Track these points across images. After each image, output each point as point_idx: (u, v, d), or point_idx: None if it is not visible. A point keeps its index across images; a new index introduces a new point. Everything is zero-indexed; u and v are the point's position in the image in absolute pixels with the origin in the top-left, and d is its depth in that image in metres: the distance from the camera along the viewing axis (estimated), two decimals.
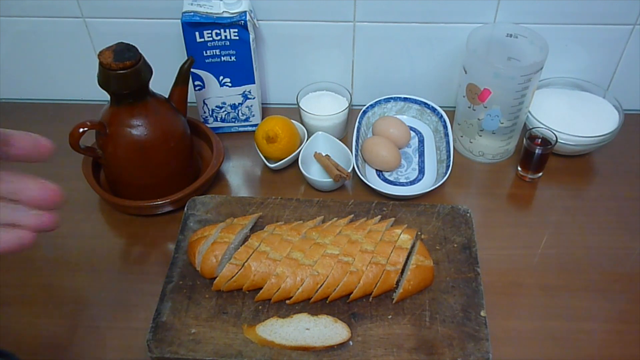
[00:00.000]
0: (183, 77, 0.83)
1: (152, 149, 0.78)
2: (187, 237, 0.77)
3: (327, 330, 0.66)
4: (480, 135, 0.89)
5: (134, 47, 0.74)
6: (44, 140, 0.41)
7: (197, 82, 0.91)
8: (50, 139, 0.43)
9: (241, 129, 0.99)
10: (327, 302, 0.70)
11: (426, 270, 0.70)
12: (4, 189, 0.39)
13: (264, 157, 0.90)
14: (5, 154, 0.39)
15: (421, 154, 0.93)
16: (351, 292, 0.69)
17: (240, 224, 0.76)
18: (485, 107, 0.84)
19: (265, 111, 1.01)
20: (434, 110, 0.94)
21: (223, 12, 0.84)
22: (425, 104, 0.95)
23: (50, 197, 0.41)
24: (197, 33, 0.84)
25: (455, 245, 0.76)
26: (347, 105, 0.93)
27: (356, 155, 0.88)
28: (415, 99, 0.96)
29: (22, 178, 0.40)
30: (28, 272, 0.78)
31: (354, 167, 0.86)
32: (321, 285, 0.69)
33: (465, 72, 0.84)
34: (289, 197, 0.83)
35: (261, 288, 0.70)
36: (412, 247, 0.73)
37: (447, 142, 0.89)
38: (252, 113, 0.97)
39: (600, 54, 0.95)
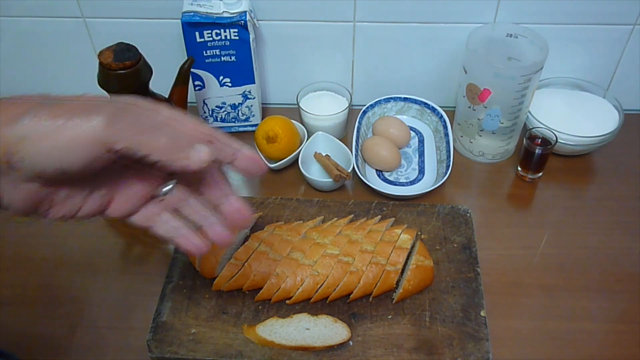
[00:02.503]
0: (183, 77, 0.83)
1: None
2: None
3: (327, 330, 0.66)
4: (480, 135, 0.89)
5: (134, 47, 0.74)
6: (261, 163, 0.44)
7: (197, 82, 0.91)
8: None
9: (241, 129, 0.99)
10: (327, 302, 0.70)
11: (426, 270, 0.70)
12: (213, 196, 0.44)
13: (264, 157, 0.90)
14: (230, 164, 0.43)
15: (421, 154, 0.93)
16: (351, 292, 0.69)
17: None
18: (485, 107, 0.84)
19: (265, 111, 1.01)
20: (434, 110, 0.94)
21: (223, 12, 0.84)
22: (425, 104, 0.95)
23: (241, 221, 0.46)
24: (197, 33, 0.84)
25: (455, 245, 0.76)
26: (347, 105, 0.93)
27: (356, 155, 0.88)
28: (415, 99, 0.96)
29: (231, 194, 0.45)
30: (28, 272, 0.78)
31: (354, 167, 0.86)
32: (321, 285, 0.69)
33: (465, 72, 0.84)
34: (289, 197, 0.83)
35: (261, 288, 0.70)
36: (412, 247, 0.73)
37: (447, 142, 0.89)
38: (252, 113, 0.97)
39: (600, 54, 0.95)
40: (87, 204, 0.42)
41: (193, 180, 0.44)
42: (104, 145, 0.36)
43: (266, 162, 0.89)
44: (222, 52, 0.87)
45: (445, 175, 0.84)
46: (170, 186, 0.44)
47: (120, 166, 0.41)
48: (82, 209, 0.42)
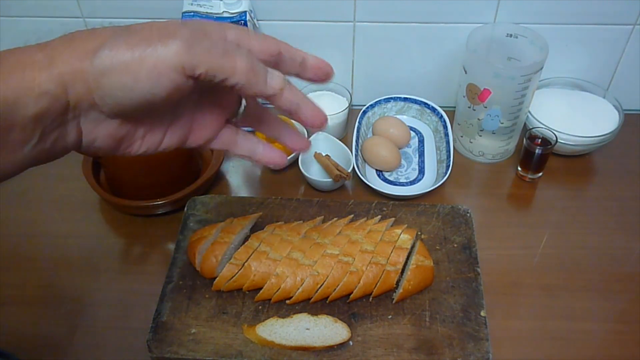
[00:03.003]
0: None
1: None
2: (187, 237, 0.77)
3: (327, 330, 0.66)
4: (480, 135, 0.89)
5: None
6: (328, 66, 0.46)
7: None
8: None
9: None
10: (327, 302, 0.70)
11: (426, 270, 0.70)
12: (287, 103, 0.42)
13: None
14: (301, 74, 0.45)
15: (421, 154, 0.93)
16: (351, 292, 0.69)
17: (240, 224, 0.76)
18: (485, 107, 0.84)
19: None
20: (434, 110, 0.94)
21: (223, 12, 0.84)
22: (425, 104, 0.95)
23: (318, 121, 0.46)
24: None
25: (455, 245, 0.76)
26: (347, 105, 0.93)
27: (356, 155, 0.88)
28: (415, 99, 0.96)
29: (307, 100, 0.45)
30: (28, 272, 0.78)
31: (354, 167, 0.86)
32: (321, 285, 0.69)
33: (465, 72, 0.84)
34: (289, 197, 0.83)
35: (261, 288, 0.70)
36: (412, 247, 0.73)
37: (447, 142, 0.89)
38: None
39: (600, 54, 0.95)
40: (168, 137, 0.42)
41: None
42: (185, 71, 0.35)
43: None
44: None
45: (445, 175, 0.84)
46: (244, 105, 0.45)
47: (196, 95, 0.40)
48: (163, 142, 0.42)
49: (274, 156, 0.47)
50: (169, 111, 0.41)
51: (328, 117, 0.46)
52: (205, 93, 0.42)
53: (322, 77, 0.46)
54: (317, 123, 0.45)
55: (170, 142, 0.43)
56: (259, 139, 0.47)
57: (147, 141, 0.41)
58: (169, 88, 0.35)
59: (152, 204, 0.81)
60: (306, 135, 0.91)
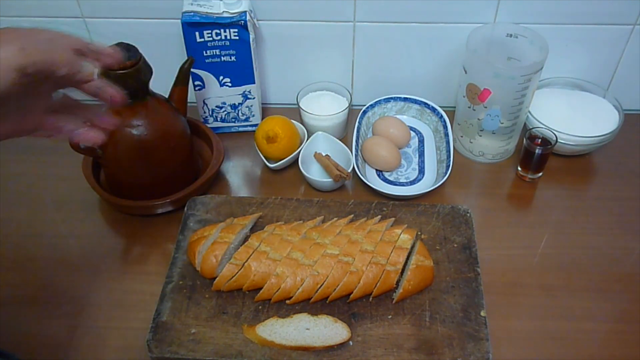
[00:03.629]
0: (183, 77, 0.83)
1: (152, 149, 0.78)
2: (187, 237, 0.77)
3: (327, 330, 0.66)
4: (480, 135, 0.89)
5: (134, 47, 0.74)
6: (117, 50, 0.55)
7: (197, 82, 0.91)
8: (51, 138, 0.54)
9: (241, 129, 0.99)
10: (327, 302, 0.70)
11: (426, 270, 0.70)
12: (94, 87, 0.52)
13: (264, 157, 0.90)
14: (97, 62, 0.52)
15: (421, 154, 0.93)
16: (351, 292, 0.69)
17: (240, 224, 0.76)
18: (485, 107, 0.84)
19: (265, 111, 1.01)
20: (434, 110, 0.94)
21: (223, 12, 0.84)
22: (425, 104, 0.95)
23: (118, 98, 0.55)
24: (197, 33, 0.84)
25: (455, 245, 0.76)
26: (347, 105, 0.93)
27: (356, 155, 0.88)
28: (415, 99, 0.96)
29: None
30: (28, 272, 0.78)
31: (354, 167, 0.86)
32: (321, 285, 0.69)
33: (465, 72, 0.84)
34: (289, 197, 0.83)
35: (261, 288, 0.70)
36: (412, 247, 0.73)
37: (447, 142, 0.89)
38: (252, 113, 0.97)
39: (600, 54, 0.95)
40: (3, 127, 0.49)
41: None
42: (20, 71, 0.43)
43: (266, 162, 0.89)
44: (222, 52, 0.87)
45: (445, 175, 0.84)
46: (62, 91, 0.53)
47: (24, 88, 0.47)
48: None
49: (92, 134, 0.55)
50: (2, 105, 0.47)
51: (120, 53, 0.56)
52: (31, 87, 0.48)
53: (116, 60, 0.54)
54: (117, 99, 0.54)
55: (5, 131, 0.50)
56: (79, 122, 0.54)
57: None
58: (5, 85, 0.43)
59: (152, 204, 0.81)
60: (306, 136, 0.91)
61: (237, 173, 0.92)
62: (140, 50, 0.75)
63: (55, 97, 0.53)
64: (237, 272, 0.70)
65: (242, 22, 0.83)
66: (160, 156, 0.80)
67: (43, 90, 0.51)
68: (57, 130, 0.53)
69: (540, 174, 0.89)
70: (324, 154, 0.90)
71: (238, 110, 0.96)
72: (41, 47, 0.45)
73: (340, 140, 0.91)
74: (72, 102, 0.55)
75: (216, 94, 0.93)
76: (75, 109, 0.55)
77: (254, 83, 0.92)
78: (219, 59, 0.88)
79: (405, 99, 0.96)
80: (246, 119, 0.97)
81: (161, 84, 0.81)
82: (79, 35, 0.51)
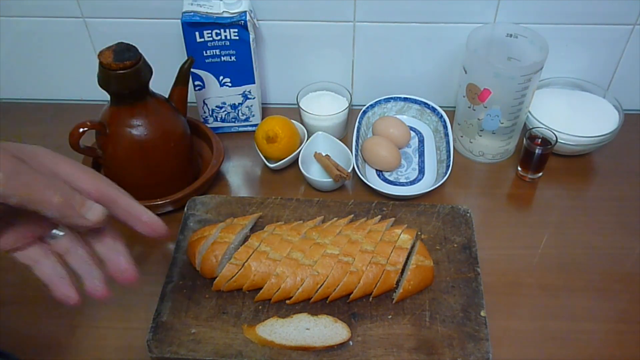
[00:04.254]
0: (183, 77, 0.83)
1: (152, 149, 0.78)
2: (187, 237, 0.77)
3: (327, 330, 0.66)
4: (480, 135, 0.89)
5: (134, 47, 0.74)
6: (160, 229, 0.49)
7: (197, 82, 0.91)
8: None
9: (241, 129, 0.99)
10: (327, 302, 0.70)
11: (426, 270, 0.70)
12: (103, 250, 0.47)
13: (264, 157, 0.90)
14: (131, 224, 0.47)
15: (421, 154, 0.93)
16: (351, 292, 0.69)
17: (240, 224, 0.76)
18: (485, 107, 0.84)
19: (265, 111, 1.01)
20: (434, 110, 0.94)
21: (223, 12, 0.84)
22: (425, 104, 0.95)
23: (126, 281, 0.49)
24: (197, 33, 0.84)
25: (455, 245, 0.76)
26: (347, 105, 0.93)
27: (356, 155, 0.88)
28: (415, 99, 0.96)
29: (122, 252, 0.49)
30: (28, 272, 0.77)
31: (354, 167, 0.86)
32: (321, 285, 0.69)
33: (465, 72, 0.84)
34: (289, 197, 0.83)
35: (261, 288, 0.70)
36: (412, 247, 0.73)
37: (447, 142, 0.89)
38: (252, 113, 0.97)
39: (600, 54, 0.95)
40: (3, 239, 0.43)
41: (85, 231, 0.46)
42: None
43: (266, 162, 0.89)
44: (222, 52, 0.87)
45: (445, 175, 0.84)
46: (61, 234, 0.46)
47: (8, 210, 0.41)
48: None
49: (65, 290, 0.48)
50: None
51: (164, 226, 0.49)
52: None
53: (152, 234, 0.48)
54: (153, 233, 0.47)
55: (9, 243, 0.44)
56: (62, 267, 0.47)
57: None
58: None
59: (152, 204, 0.81)
60: (306, 136, 0.91)
61: (237, 173, 0.92)
62: (140, 50, 0.75)
63: (54, 234, 0.46)
64: (237, 272, 0.70)
65: (242, 22, 0.83)
66: (160, 156, 0.80)
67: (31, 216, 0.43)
68: (33, 263, 0.47)
69: (540, 174, 0.89)
70: (324, 154, 0.90)
71: (238, 110, 0.96)
72: (32, 183, 0.39)
73: (340, 140, 0.91)
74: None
75: (216, 94, 0.93)
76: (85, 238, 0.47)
77: (254, 83, 0.92)
78: (219, 59, 0.88)
79: (405, 99, 0.96)
80: (246, 119, 0.97)
81: (161, 84, 0.81)
82: (108, 181, 0.44)
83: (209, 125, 0.94)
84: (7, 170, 0.38)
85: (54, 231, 0.45)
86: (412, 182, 0.89)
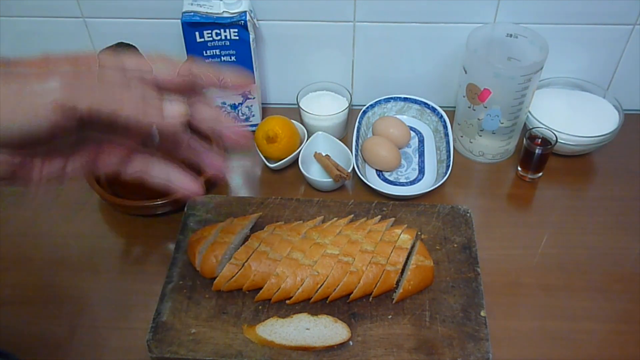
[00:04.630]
0: None
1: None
2: (187, 237, 0.77)
3: (327, 330, 0.66)
4: (480, 135, 0.89)
5: (134, 47, 0.74)
6: (246, 82, 0.46)
7: None
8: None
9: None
10: (327, 302, 0.70)
11: (426, 270, 0.70)
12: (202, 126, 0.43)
13: (264, 157, 0.90)
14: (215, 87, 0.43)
15: (421, 154, 0.93)
16: (351, 292, 0.69)
17: (240, 224, 0.76)
18: (485, 107, 0.84)
19: (265, 111, 1.01)
20: (434, 110, 0.94)
21: (223, 12, 0.84)
22: (425, 104, 0.95)
23: (240, 140, 0.45)
24: (197, 33, 0.84)
25: (455, 245, 0.76)
26: (347, 105, 0.93)
27: (356, 155, 0.88)
28: (415, 99, 0.96)
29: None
30: (28, 272, 0.78)
31: (354, 167, 0.86)
32: (321, 285, 0.69)
33: (465, 72, 0.84)
34: (289, 197, 0.83)
35: (261, 288, 0.70)
36: (412, 247, 0.73)
37: (447, 142, 0.89)
38: (252, 113, 0.97)
39: (600, 54, 0.95)
40: (71, 165, 0.41)
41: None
42: (63, 108, 0.35)
43: (266, 162, 0.89)
44: (222, 52, 0.87)
45: (445, 175, 0.84)
46: (157, 135, 0.43)
47: (98, 125, 0.38)
48: (67, 170, 0.41)
49: (187, 183, 0.45)
50: (65, 142, 0.39)
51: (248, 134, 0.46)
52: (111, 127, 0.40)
53: (241, 90, 0.43)
54: (240, 142, 0.45)
55: (75, 171, 0.42)
56: (174, 166, 0.45)
57: (48, 169, 0.40)
58: (47, 126, 0.35)
59: (152, 204, 0.81)
60: (306, 136, 0.91)
61: (237, 173, 0.92)
62: (140, 50, 0.75)
63: (153, 140, 0.43)
64: (237, 272, 0.70)
65: (242, 22, 0.83)
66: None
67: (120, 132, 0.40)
68: (145, 172, 0.44)
69: (540, 174, 0.89)
70: (324, 154, 0.90)
71: (238, 110, 0.96)
72: (97, 85, 0.36)
73: (340, 140, 0.91)
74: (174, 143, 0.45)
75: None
76: (176, 150, 0.45)
77: (254, 83, 0.92)
78: (219, 59, 0.88)
79: (405, 99, 0.96)
80: (246, 119, 0.97)
81: None
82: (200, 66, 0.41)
83: None
84: (65, 75, 0.35)
85: (153, 139, 0.43)
86: (412, 182, 0.89)
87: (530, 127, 0.89)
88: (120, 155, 0.43)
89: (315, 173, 0.89)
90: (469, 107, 0.86)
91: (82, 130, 0.38)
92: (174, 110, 0.38)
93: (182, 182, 0.45)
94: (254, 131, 0.91)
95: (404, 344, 0.66)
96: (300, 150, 0.89)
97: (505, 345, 0.69)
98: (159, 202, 0.81)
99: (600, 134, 0.87)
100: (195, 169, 0.45)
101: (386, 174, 0.90)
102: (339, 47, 0.96)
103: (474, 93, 0.84)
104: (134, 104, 0.36)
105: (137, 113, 0.36)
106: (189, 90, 0.42)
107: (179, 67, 0.40)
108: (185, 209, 0.81)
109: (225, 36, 0.85)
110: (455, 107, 0.95)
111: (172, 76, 0.39)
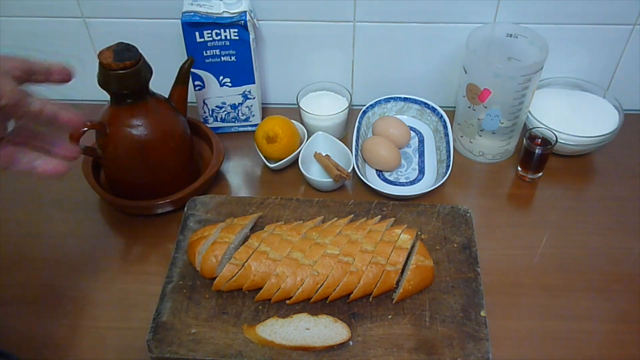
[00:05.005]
0: (183, 77, 0.83)
1: (152, 149, 0.78)
2: (187, 237, 0.77)
3: (327, 330, 0.66)
4: (480, 135, 0.89)
5: (134, 47, 0.74)
6: (68, 67, 0.54)
7: (197, 82, 0.91)
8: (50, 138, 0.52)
9: (241, 129, 0.99)
10: (327, 302, 0.70)
11: (426, 270, 0.70)
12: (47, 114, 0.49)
13: (264, 157, 0.90)
14: (47, 81, 0.52)
15: (421, 154, 0.93)
16: (351, 292, 0.69)
17: (240, 224, 0.76)
18: (485, 107, 0.84)
19: (265, 111, 1.01)
20: (434, 110, 0.94)
21: (223, 12, 0.84)
22: (425, 104, 0.95)
23: (76, 121, 0.52)
24: (197, 33, 0.84)
25: (455, 245, 0.76)
26: (347, 105, 0.93)
27: (356, 155, 0.88)
28: (415, 99, 0.96)
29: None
30: (28, 272, 0.78)
31: (354, 167, 0.86)
32: (321, 285, 0.69)
33: (465, 72, 0.84)
34: (289, 197, 0.83)
35: (261, 288, 0.70)
36: (412, 247, 0.73)
37: (447, 142, 0.89)
38: (252, 113, 0.97)
39: (600, 54, 0.95)
40: None
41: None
42: None
43: (266, 162, 0.89)
44: (222, 52, 0.87)
45: (445, 175, 0.84)
46: (13, 125, 0.51)
47: None
48: None
49: (52, 165, 0.51)
50: None
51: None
52: None
53: (66, 77, 0.54)
54: (76, 122, 0.51)
55: None
56: (37, 154, 0.52)
57: None
58: None
59: (152, 204, 0.81)
60: (306, 136, 0.91)
61: (237, 173, 0.92)
62: (140, 50, 0.75)
63: (8, 128, 0.50)
64: (237, 272, 0.70)
65: (242, 22, 0.83)
66: (160, 156, 0.80)
67: None
68: (13, 163, 0.50)
69: (540, 174, 0.89)
70: (324, 154, 0.90)
71: (238, 110, 0.96)
72: None
73: (340, 140, 0.91)
74: (28, 132, 0.52)
75: (216, 94, 0.93)
76: (31, 140, 0.52)
77: (254, 83, 0.92)
78: (219, 59, 0.88)
79: (405, 99, 0.96)
80: (246, 119, 0.97)
81: (161, 84, 0.81)
82: (21, 56, 0.49)
83: (209, 125, 0.94)
84: None
85: (8, 128, 0.50)
86: (412, 182, 0.89)
87: (530, 127, 0.89)
88: None
89: (315, 173, 0.89)
90: (469, 107, 0.86)
91: None
92: (37, 102, 0.47)
93: (45, 167, 0.51)
94: (254, 131, 0.91)
95: (404, 344, 0.66)
96: (300, 150, 0.89)
97: (505, 345, 0.69)
98: (159, 202, 0.81)
99: (600, 134, 0.87)
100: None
101: (386, 174, 0.90)
102: (339, 47, 0.96)
103: (474, 93, 0.84)
104: (10, 93, 0.45)
105: (14, 100, 0.45)
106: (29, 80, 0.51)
107: (18, 61, 0.49)
108: (185, 209, 0.81)
109: (225, 36, 0.85)
110: (455, 107, 0.95)
111: (18, 67, 0.49)
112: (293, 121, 0.91)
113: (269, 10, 0.91)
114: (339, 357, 0.65)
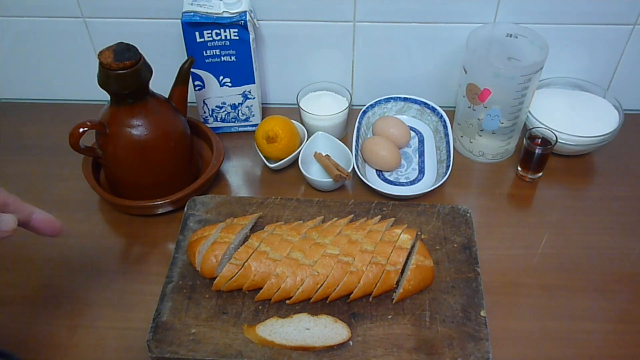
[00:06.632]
0: (183, 77, 0.83)
1: (152, 149, 0.78)
2: (187, 237, 0.77)
3: (327, 330, 0.66)
4: (480, 135, 0.89)
5: (134, 47, 0.74)
6: (57, 222, 0.53)
7: (197, 82, 0.91)
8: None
9: (241, 129, 0.99)
10: (327, 302, 0.70)
11: (426, 270, 0.70)
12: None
13: (264, 157, 0.90)
14: (25, 226, 0.51)
15: (421, 154, 0.93)
16: (351, 292, 0.69)
17: (240, 224, 0.76)
18: (485, 107, 0.84)
19: (265, 111, 1.01)
20: (434, 110, 0.94)
21: (223, 12, 0.84)
22: (425, 104, 0.95)
23: (51, 229, 0.53)
24: (197, 33, 0.84)
25: (455, 245, 0.76)
26: (347, 105, 0.93)
27: (356, 155, 0.88)
28: (415, 99, 0.96)
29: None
30: (28, 272, 0.78)
31: (354, 167, 0.86)
32: (321, 285, 0.69)
33: (465, 72, 0.84)
34: (289, 197, 0.83)
35: (261, 288, 0.70)
36: (412, 247, 0.73)
37: (447, 142, 0.89)
38: (252, 113, 0.97)
39: (600, 54, 0.95)
40: None
41: None
42: None
43: (266, 162, 0.89)
44: (222, 52, 0.87)
45: (445, 175, 0.84)
46: None
47: None
48: None
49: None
50: None
51: (60, 226, 0.55)
52: None
53: (49, 231, 0.51)
54: (51, 231, 0.52)
55: None
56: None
57: None
58: None
59: (152, 204, 0.81)
60: (306, 136, 0.91)
61: (237, 173, 0.92)
62: (140, 50, 0.75)
63: None
64: (237, 272, 0.70)
65: (242, 22, 0.83)
66: (160, 156, 0.80)
67: None
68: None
69: (540, 174, 0.89)
70: (324, 154, 0.90)
71: (238, 110, 0.96)
72: None
73: (340, 140, 0.91)
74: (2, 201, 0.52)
75: (216, 94, 0.93)
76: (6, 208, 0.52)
77: (254, 83, 0.92)
78: (219, 59, 0.88)
79: (405, 99, 0.96)
80: (246, 119, 0.97)
81: (161, 84, 0.81)
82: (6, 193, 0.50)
83: (209, 125, 0.94)
84: None
85: None
86: (412, 182, 0.89)
87: (530, 127, 0.89)
88: None
89: (315, 173, 0.89)
90: (469, 107, 0.86)
91: None
92: (7, 225, 0.48)
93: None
94: (254, 131, 0.91)
95: (404, 344, 0.66)
96: (300, 150, 0.89)
97: (505, 345, 0.69)
98: (159, 202, 0.81)
99: (600, 134, 0.87)
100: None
101: (386, 174, 0.90)
102: (339, 47, 0.96)
103: (474, 93, 0.84)
104: None
105: None
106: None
107: None
108: (185, 209, 0.81)
109: (225, 36, 0.85)
110: (455, 107, 0.95)
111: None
112: (293, 121, 0.91)
113: (269, 10, 0.91)
114: (339, 357, 0.65)
